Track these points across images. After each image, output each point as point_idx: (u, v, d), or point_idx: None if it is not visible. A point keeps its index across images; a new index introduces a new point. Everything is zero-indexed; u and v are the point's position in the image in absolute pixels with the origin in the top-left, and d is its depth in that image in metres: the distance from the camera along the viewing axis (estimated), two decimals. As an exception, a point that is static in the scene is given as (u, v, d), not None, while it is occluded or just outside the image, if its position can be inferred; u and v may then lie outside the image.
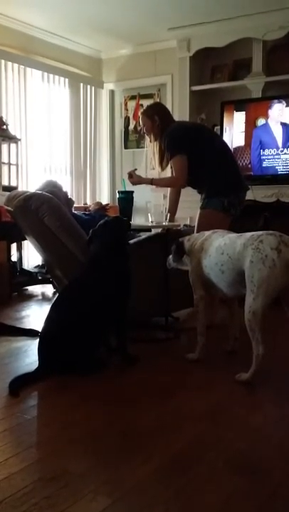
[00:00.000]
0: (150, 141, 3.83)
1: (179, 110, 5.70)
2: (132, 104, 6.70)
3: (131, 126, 6.75)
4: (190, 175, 3.62)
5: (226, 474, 1.80)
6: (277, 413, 2.35)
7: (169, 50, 6.02)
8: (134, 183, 3.85)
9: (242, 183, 3.72)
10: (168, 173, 4.04)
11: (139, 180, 3.84)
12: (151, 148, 3.88)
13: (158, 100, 6.41)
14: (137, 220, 4.54)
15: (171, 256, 3.16)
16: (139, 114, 3.95)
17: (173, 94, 6.22)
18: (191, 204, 4.02)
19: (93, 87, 6.73)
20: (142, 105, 6.56)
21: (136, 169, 3.92)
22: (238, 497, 1.67)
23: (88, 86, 6.66)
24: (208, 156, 3.64)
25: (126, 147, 6.83)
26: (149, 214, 3.68)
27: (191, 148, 3.59)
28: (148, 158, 3.96)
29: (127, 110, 6.75)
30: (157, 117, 3.70)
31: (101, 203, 5.44)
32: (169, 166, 3.77)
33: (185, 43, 5.70)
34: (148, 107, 3.91)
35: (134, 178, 3.82)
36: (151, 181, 3.83)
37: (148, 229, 3.74)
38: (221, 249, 2.78)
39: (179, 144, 3.62)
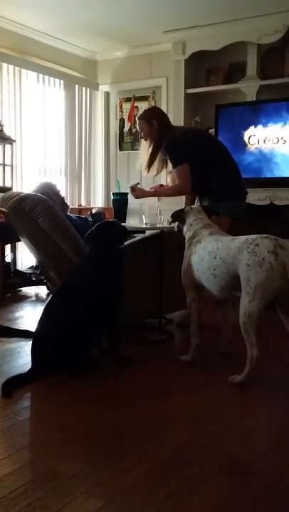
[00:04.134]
0: (149, 146, 3.73)
1: (174, 113, 5.71)
2: (127, 106, 6.70)
3: (126, 128, 6.76)
4: (195, 182, 3.60)
5: (219, 476, 1.81)
6: (270, 415, 2.35)
7: (164, 53, 6.03)
8: (137, 197, 3.80)
9: (243, 187, 3.76)
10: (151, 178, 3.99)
11: (142, 194, 3.78)
12: (145, 150, 3.79)
13: (153, 103, 6.42)
14: (131, 222, 4.55)
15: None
16: (136, 118, 3.81)
17: (168, 96, 6.23)
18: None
19: (88, 89, 6.73)
20: (136, 107, 6.57)
21: (138, 183, 3.83)
22: (230, 498, 1.68)
23: (83, 88, 6.66)
24: (213, 162, 3.64)
25: (121, 149, 6.83)
26: (143, 216, 3.69)
27: (196, 156, 3.57)
28: (141, 160, 3.84)
29: (122, 112, 6.76)
30: (155, 121, 3.67)
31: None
32: (159, 171, 3.74)
33: (180, 45, 5.71)
34: (145, 111, 3.83)
35: (137, 192, 3.77)
36: (154, 193, 3.77)
37: (142, 231, 3.74)
38: (213, 253, 2.78)
39: (182, 153, 3.60)
